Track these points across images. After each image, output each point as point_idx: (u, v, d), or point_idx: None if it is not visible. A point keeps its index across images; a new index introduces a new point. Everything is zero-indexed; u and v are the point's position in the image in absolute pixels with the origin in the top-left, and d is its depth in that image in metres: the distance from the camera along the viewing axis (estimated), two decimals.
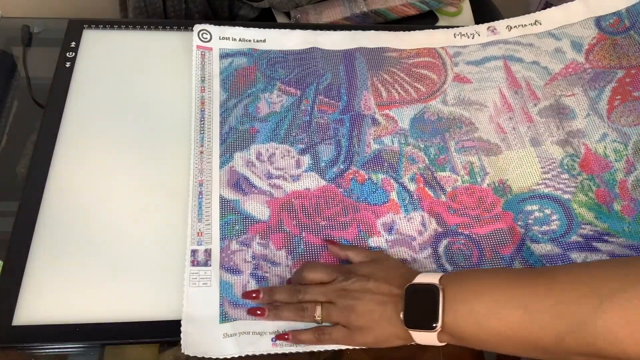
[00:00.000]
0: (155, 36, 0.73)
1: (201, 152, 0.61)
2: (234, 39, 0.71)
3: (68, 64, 0.68)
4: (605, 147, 0.63)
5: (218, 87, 0.67)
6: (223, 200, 0.58)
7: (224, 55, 0.69)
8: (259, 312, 0.51)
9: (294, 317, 0.51)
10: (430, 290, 0.46)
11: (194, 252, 0.55)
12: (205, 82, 0.67)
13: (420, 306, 0.46)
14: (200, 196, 0.58)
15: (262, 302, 0.52)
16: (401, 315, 0.47)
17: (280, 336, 0.51)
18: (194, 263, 0.54)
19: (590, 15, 0.73)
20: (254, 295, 0.52)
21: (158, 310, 0.53)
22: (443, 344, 0.47)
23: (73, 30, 0.71)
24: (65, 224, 0.56)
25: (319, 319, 0.50)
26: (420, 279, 0.48)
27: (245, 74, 0.68)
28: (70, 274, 0.54)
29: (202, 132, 0.63)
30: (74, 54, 0.69)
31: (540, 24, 0.73)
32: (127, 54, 0.70)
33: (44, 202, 0.57)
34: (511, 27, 0.74)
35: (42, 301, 0.52)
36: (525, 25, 0.73)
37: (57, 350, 0.52)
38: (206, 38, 0.70)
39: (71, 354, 0.52)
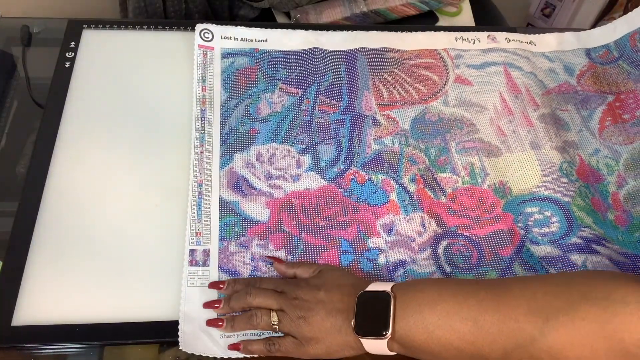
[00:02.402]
0: (155, 36, 0.73)
1: (201, 152, 0.61)
2: (236, 39, 0.71)
3: (67, 64, 0.67)
4: (598, 161, 0.65)
5: (219, 87, 0.67)
6: (222, 202, 0.58)
7: (225, 55, 0.69)
8: (219, 324, 0.50)
9: (245, 326, 0.50)
10: (382, 298, 0.46)
11: (192, 251, 0.55)
12: (207, 82, 0.67)
13: (372, 314, 0.46)
14: (200, 196, 0.58)
15: (222, 312, 0.51)
16: (352, 324, 0.46)
17: (232, 346, 0.50)
18: (192, 263, 0.54)
19: (581, 46, 0.75)
20: (215, 305, 0.51)
21: (158, 310, 0.53)
22: (393, 353, 0.47)
23: (73, 30, 0.71)
24: (65, 224, 0.56)
25: (275, 326, 0.49)
26: (372, 287, 0.48)
27: (247, 74, 0.68)
28: (69, 274, 0.54)
29: (202, 131, 0.63)
30: (73, 54, 0.69)
31: (535, 45, 0.75)
32: (127, 54, 0.70)
33: (43, 202, 0.57)
34: (510, 40, 0.75)
35: (41, 301, 0.52)
36: (522, 42, 0.75)
37: (56, 350, 0.52)
38: (208, 37, 0.70)
39: (71, 354, 0.52)
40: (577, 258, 0.56)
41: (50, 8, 1.00)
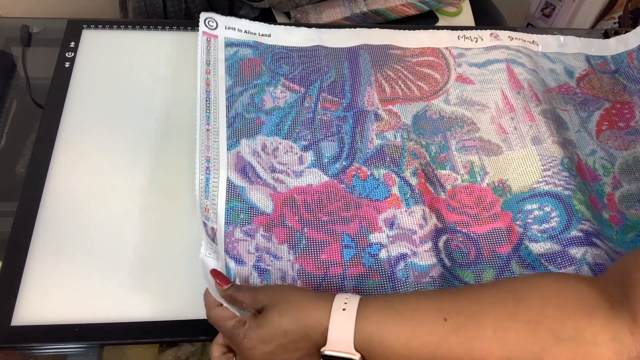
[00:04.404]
0: (155, 36, 0.73)
1: (207, 130, 0.61)
2: (240, 30, 0.71)
3: (67, 64, 0.67)
4: (594, 161, 0.66)
5: (223, 73, 0.66)
6: (230, 184, 0.57)
7: (229, 44, 0.69)
8: (222, 284, 0.48)
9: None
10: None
11: (204, 223, 0.53)
12: (211, 66, 0.66)
13: None
14: (208, 172, 0.57)
15: (223, 293, 0.48)
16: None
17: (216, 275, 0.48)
18: (207, 234, 0.53)
19: (581, 51, 0.77)
20: (222, 284, 0.48)
21: (158, 310, 0.53)
22: None
23: (72, 30, 0.71)
24: (65, 223, 0.56)
25: None
26: (332, 341, 0.44)
27: (251, 65, 0.68)
28: (69, 274, 0.53)
29: (207, 111, 0.62)
30: (73, 54, 0.69)
31: (537, 45, 0.76)
32: (127, 54, 0.70)
33: (43, 202, 0.57)
34: (512, 38, 0.75)
35: (41, 301, 0.52)
36: (524, 40, 0.75)
37: (56, 350, 0.52)
38: (212, 26, 0.70)
39: (71, 354, 0.52)
40: (576, 252, 0.56)
41: (50, 8, 1.00)
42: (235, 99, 0.64)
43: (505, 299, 0.43)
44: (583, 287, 0.42)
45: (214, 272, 0.49)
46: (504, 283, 0.45)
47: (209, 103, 0.63)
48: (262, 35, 0.71)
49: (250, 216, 0.56)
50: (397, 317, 0.44)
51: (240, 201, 0.57)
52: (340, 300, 0.45)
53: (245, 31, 0.71)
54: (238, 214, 0.56)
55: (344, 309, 0.44)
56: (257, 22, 0.72)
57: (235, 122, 0.62)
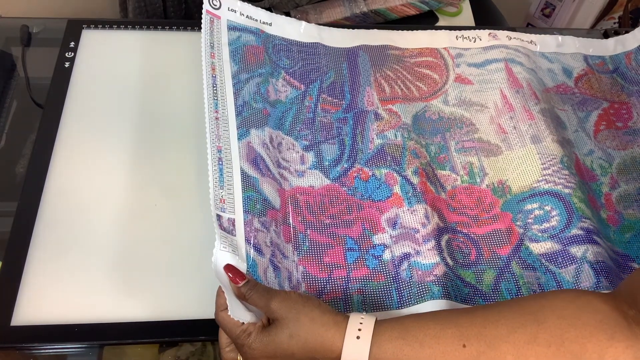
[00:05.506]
0: (155, 36, 0.73)
1: (216, 118, 0.59)
2: (242, 14, 0.69)
3: (67, 64, 0.67)
4: (592, 161, 0.66)
5: (228, 57, 0.65)
6: (244, 174, 0.56)
7: (232, 27, 0.68)
8: (237, 280, 0.47)
9: None
10: None
11: (218, 217, 0.52)
12: (215, 49, 0.65)
13: None
14: (220, 162, 0.56)
15: (238, 292, 0.47)
16: None
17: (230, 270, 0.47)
18: (221, 227, 0.51)
19: (580, 51, 0.77)
20: (237, 280, 0.47)
21: (158, 310, 0.53)
22: None
23: (72, 30, 0.71)
24: (64, 224, 0.56)
25: None
26: (347, 352, 0.43)
27: (255, 52, 0.67)
28: (69, 274, 0.53)
29: (215, 97, 0.60)
30: (73, 54, 0.69)
31: (536, 44, 0.76)
32: (127, 54, 0.70)
33: (42, 202, 0.57)
34: (511, 38, 0.76)
35: (41, 301, 0.52)
36: (522, 40, 0.76)
37: (56, 350, 0.52)
38: (216, 5, 0.68)
39: (70, 354, 0.52)
40: (576, 250, 0.56)
41: (50, 8, 1.00)
42: (242, 86, 0.63)
43: (524, 323, 0.42)
44: (600, 305, 0.41)
45: (228, 267, 0.47)
46: (521, 303, 0.44)
47: (216, 89, 0.61)
48: (264, 23, 0.70)
49: (265, 208, 0.55)
50: (415, 344, 0.42)
51: (255, 192, 0.56)
52: (354, 324, 0.43)
53: (247, 16, 0.69)
54: (255, 204, 0.55)
55: (357, 337, 0.43)
56: (260, 9, 0.71)
57: (244, 110, 0.61)
